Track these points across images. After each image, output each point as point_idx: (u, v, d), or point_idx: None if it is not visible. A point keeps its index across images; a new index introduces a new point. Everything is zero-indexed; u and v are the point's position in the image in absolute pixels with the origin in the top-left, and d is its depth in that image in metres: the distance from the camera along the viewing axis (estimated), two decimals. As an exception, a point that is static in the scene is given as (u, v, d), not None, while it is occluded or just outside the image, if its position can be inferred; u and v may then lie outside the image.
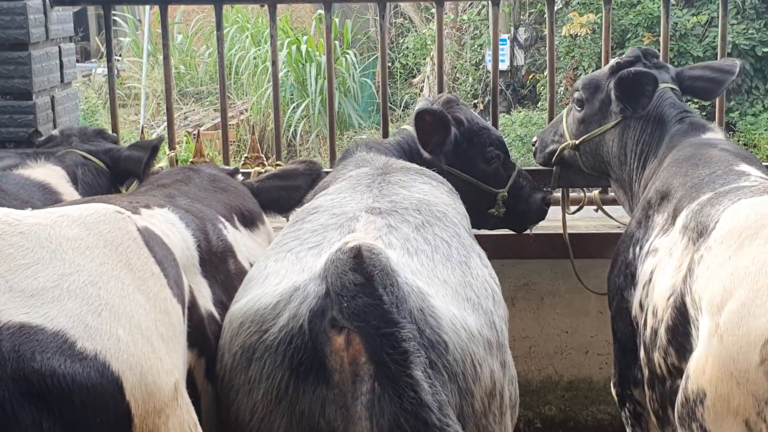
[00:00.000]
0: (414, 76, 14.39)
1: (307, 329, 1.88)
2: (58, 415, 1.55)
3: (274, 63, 4.18)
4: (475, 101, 13.05)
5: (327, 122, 13.09)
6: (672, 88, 3.38)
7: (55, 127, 4.02)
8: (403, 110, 13.60)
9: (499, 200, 3.48)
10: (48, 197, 2.98)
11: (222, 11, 4.14)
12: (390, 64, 15.11)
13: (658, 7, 10.72)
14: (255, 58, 13.16)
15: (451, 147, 3.38)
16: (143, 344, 1.73)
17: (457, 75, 13.49)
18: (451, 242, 2.28)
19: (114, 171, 3.33)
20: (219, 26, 4.17)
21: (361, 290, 1.83)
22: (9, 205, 2.68)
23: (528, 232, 3.76)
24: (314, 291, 1.92)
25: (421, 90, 13.79)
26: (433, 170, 3.01)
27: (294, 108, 12.69)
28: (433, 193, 2.64)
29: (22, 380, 1.54)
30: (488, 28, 13.20)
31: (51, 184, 3.05)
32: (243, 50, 13.52)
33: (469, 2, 13.68)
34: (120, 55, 14.42)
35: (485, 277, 2.25)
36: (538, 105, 12.49)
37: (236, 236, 2.74)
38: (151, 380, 1.69)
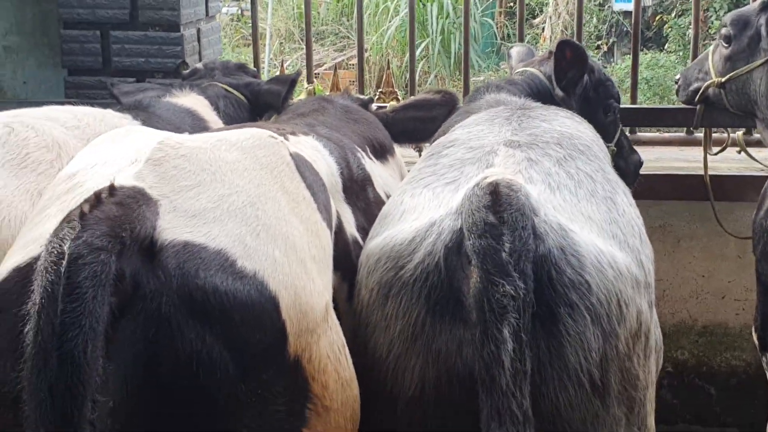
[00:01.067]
0: (535, 17, 14.10)
1: (443, 266, 1.84)
2: (220, 331, 1.57)
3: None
4: (599, 43, 12.72)
5: (447, 63, 12.92)
6: None
7: (200, 58, 4.16)
8: (524, 51, 13.37)
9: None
10: (196, 123, 3.10)
11: None
12: (511, 4, 14.85)
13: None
14: (375, -1, 13.14)
15: (581, 90, 3.32)
16: (297, 265, 1.75)
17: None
18: (596, 177, 2.18)
19: (254, 104, 3.41)
20: None
21: (489, 230, 1.76)
22: (162, 128, 2.83)
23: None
24: (449, 227, 1.87)
25: (542, 30, 13.52)
26: None
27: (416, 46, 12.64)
28: (576, 127, 2.54)
29: (186, 296, 1.56)
30: (615, -33, 12.79)
31: (198, 111, 3.17)
32: (364, -11, 13.49)
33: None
34: (244, -6, 14.61)
35: (632, 214, 2.16)
36: (665, 47, 12.09)
37: (371, 166, 2.77)
38: (304, 300, 1.71)
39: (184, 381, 1.56)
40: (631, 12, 12.82)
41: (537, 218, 1.83)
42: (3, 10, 4.23)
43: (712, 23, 10.91)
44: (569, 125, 2.52)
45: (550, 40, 13.12)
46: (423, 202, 2.09)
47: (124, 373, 1.52)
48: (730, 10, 9.30)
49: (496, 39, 13.57)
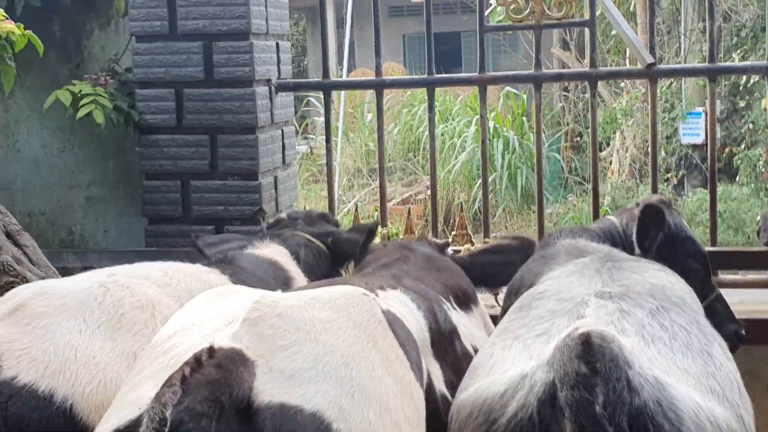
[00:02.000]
0: (602, 150, 14.19)
1: (536, 419, 1.81)
2: None
3: (483, 142, 4.25)
4: (668, 176, 12.69)
5: (515, 197, 12.99)
6: None
7: (277, 205, 4.25)
8: (589, 183, 13.41)
9: None
10: (278, 273, 3.16)
11: (434, 93, 4.30)
12: (578, 138, 14.99)
13: None
14: (442, 134, 13.41)
15: (655, 248, 3.27)
16: (392, 428, 1.76)
17: (649, 149, 13.18)
18: (690, 329, 2.14)
19: (333, 252, 3.44)
20: (431, 108, 4.31)
21: (581, 381, 1.74)
22: (248, 281, 2.88)
23: None
24: (542, 379, 1.85)
25: (610, 164, 13.57)
26: None
27: (481, 183, 12.80)
28: (667, 279, 2.51)
29: None
30: (681, 101, 12.88)
31: (280, 262, 3.23)
32: (430, 127, 13.81)
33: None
34: (314, 134, 15.07)
35: (729, 368, 2.09)
36: (736, 179, 11.99)
37: (457, 317, 2.75)
38: None
39: None
40: (699, 145, 12.87)
41: (631, 371, 1.79)
42: (87, 162, 4.42)
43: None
44: (661, 277, 2.50)
45: (618, 174, 13.15)
46: (514, 354, 2.08)
47: None
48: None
49: (564, 172, 13.65)
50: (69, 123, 4.28)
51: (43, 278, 3.05)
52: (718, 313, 3.36)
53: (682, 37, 12.94)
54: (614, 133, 13.39)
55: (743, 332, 3.40)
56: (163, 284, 2.64)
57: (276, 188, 4.27)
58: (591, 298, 2.18)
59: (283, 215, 3.68)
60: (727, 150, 12.69)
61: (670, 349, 2.01)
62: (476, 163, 13.03)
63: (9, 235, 3.24)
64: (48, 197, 4.46)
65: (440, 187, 13.01)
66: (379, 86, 4.32)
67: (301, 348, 1.77)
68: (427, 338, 2.42)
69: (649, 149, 4.29)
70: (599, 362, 1.75)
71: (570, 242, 3.05)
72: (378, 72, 4.31)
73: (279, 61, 4.33)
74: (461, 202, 12.18)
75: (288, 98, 4.45)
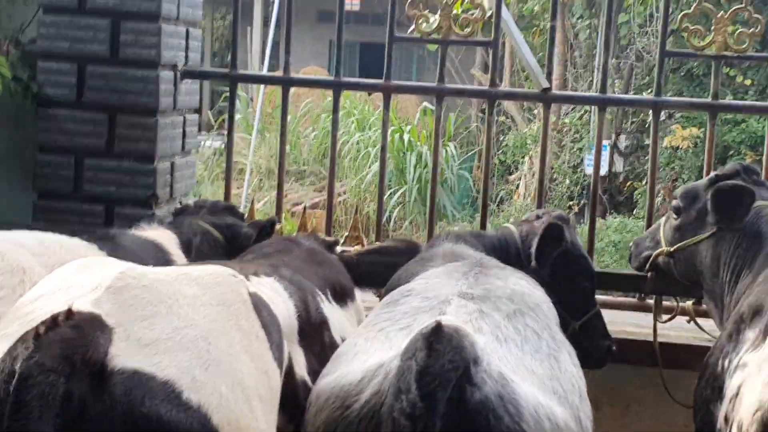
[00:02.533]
0: (511, 173, 14.52)
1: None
2: None
3: (383, 148, 4.35)
4: (570, 203, 13.07)
5: (423, 210, 13.16)
6: None
7: (172, 191, 4.25)
8: (497, 206, 13.68)
9: (570, 330, 3.35)
10: (160, 255, 3.19)
11: (340, 95, 4.36)
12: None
13: (763, 127, 10.63)
14: (358, 143, 13.52)
15: (550, 260, 3.37)
16: (243, 402, 1.81)
17: (555, 175, 13.56)
18: (542, 334, 2.27)
19: (231, 244, 3.50)
20: (335, 110, 4.37)
21: (414, 354, 1.81)
22: (126, 259, 2.89)
23: None
24: (396, 366, 1.89)
25: (517, 187, 13.89)
26: None
27: (391, 194, 12.93)
28: (528, 287, 2.65)
29: (130, 422, 1.64)
30: (589, 132, 13.29)
31: (163, 245, 3.27)
32: (347, 134, 13.91)
33: (572, 106, 13.82)
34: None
35: (573, 373, 2.24)
36: (634, 212, 12.43)
37: (330, 310, 2.84)
38: None
39: None
40: (602, 176, 13.27)
41: (477, 367, 1.87)
42: (-23, 133, 4.33)
43: (679, 194, 11.28)
44: (523, 284, 2.64)
45: (524, 197, 13.46)
46: (376, 345, 2.15)
47: None
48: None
49: (472, 192, 13.89)
50: (-36, 87, 4.21)
51: None
52: (595, 328, 3.52)
53: (596, 71, 13.35)
54: (523, 157, 13.71)
55: (614, 348, 3.56)
56: (37, 253, 2.64)
57: (172, 174, 4.25)
58: (454, 298, 2.28)
59: (190, 203, 3.73)
60: (629, 184, 13.13)
61: (520, 350, 2.12)
62: (388, 174, 13.17)
63: None
64: (-66, 162, 4.36)
65: (351, 195, 13.12)
66: (286, 83, 4.38)
67: (161, 320, 1.82)
68: (295, 326, 2.50)
69: (537, 170, 4.43)
70: (440, 344, 1.82)
71: (449, 247, 3.16)
72: (286, 70, 4.36)
73: (187, 48, 4.33)
74: (358, 207, 12.29)
75: (194, 86, 4.45)
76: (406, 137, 13.23)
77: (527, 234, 3.43)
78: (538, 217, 3.51)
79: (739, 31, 4.09)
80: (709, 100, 4.21)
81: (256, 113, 12.42)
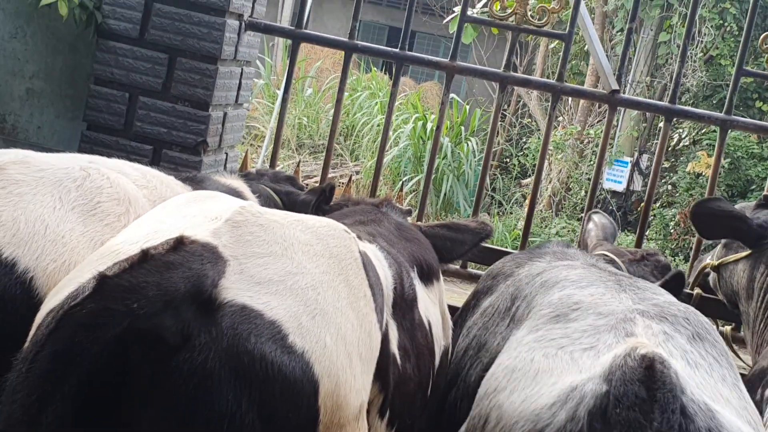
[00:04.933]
0: (525, 176, 14.46)
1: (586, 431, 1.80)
2: (257, 398, 1.59)
3: (438, 128, 4.27)
4: (582, 215, 13.01)
5: (435, 201, 13.07)
6: None
7: (221, 141, 4.17)
8: (511, 206, 13.62)
9: None
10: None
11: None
12: (508, 160, 15.21)
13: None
14: (379, 125, 13.43)
15: None
16: (344, 357, 1.78)
17: (571, 185, 13.48)
18: (721, 361, 2.14)
19: (289, 210, 3.46)
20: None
21: (639, 404, 1.76)
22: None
23: None
24: (592, 391, 1.84)
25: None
26: None
27: (405, 181, 12.87)
28: (685, 305, 2.44)
29: (234, 356, 1.59)
30: (612, 146, 13.22)
31: (244, 193, 3.26)
32: (369, 116, 13.82)
33: (598, 119, 13.75)
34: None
35: (753, 405, 2.12)
36: (646, 234, 12.36)
37: (418, 288, 2.77)
38: (343, 394, 1.72)
39: None
40: (618, 192, 13.18)
41: (685, 397, 1.80)
42: (35, 53, 4.25)
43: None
44: (679, 303, 2.44)
45: (539, 202, 13.40)
46: (561, 365, 2.05)
47: (156, 416, 1.56)
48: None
49: (488, 188, 13.84)
50: (28, 9, 4.12)
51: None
52: None
53: (628, 87, 13.27)
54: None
55: None
56: (141, 185, 2.62)
57: (224, 124, 4.18)
58: (635, 316, 2.18)
59: (252, 170, 3.69)
60: (642, 205, 13.07)
61: (711, 377, 2.02)
62: (405, 161, 13.09)
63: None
64: (-14, 79, 4.27)
65: (364, 176, 13.03)
66: (350, 48, 4.30)
67: (275, 260, 1.80)
68: (390, 297, 2.43)
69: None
70: (659, 390, 1.77)
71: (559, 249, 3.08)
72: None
73: (255, 0, 4.26)
74: (403, 184, 12.30)
75: (255, 39, 4.37)
76: (428, 126, 13.14)
77: (634, 272, 3.29)
78: (643, 257, 3.40)
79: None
80: (777, 124, 4.15)
81: (283, 81, 12.34)
